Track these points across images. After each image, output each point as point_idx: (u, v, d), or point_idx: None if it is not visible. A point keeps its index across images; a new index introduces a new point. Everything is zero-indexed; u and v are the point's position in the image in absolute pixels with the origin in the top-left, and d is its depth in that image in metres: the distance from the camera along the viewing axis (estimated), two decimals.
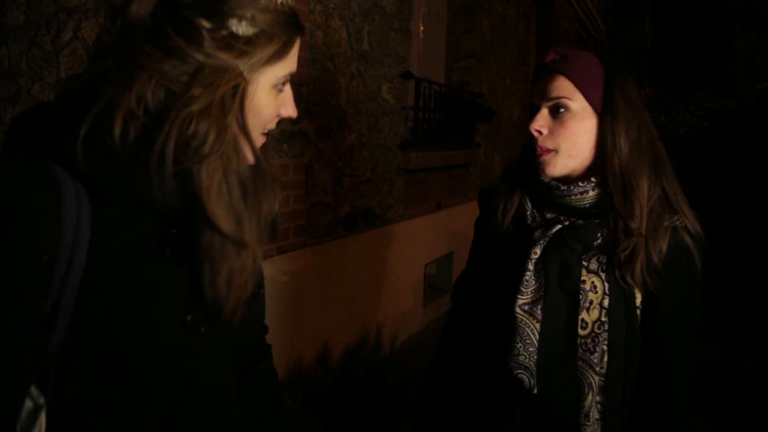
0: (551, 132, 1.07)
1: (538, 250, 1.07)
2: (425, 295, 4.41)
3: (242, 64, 0.67)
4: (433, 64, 4.80)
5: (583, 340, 1.05)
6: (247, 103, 0.70)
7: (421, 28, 4.53)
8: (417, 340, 4.10)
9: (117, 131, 0.62)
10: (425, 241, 4.27)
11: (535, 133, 1.08)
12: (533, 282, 1.07)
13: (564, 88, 1.05)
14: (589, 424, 1.06)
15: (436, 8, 4.83)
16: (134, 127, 0.64)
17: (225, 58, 0.65)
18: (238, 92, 0.68)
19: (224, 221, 0.67)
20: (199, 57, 0.64)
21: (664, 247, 1.04)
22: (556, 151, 1.07)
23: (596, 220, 1.06)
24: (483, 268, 1.21)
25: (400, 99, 3.78)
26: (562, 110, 1.06)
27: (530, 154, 1.12)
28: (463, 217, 4.92)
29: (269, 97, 0.74)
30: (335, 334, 3.17)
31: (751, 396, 3.32)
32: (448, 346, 1.32)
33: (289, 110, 0.78)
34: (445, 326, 1.35)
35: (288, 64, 0.74)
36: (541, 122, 1.07)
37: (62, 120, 0.64)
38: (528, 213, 1.13)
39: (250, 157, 0.72)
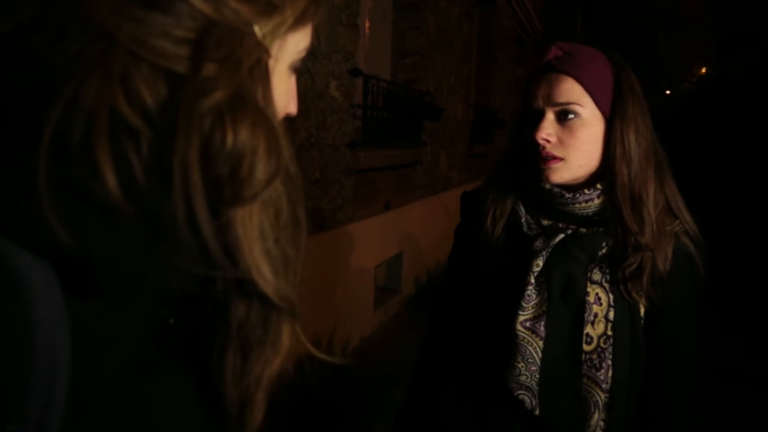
0: (559, 140, 0.97)
1: (540, 262, 0.98)
2: (375, 298, 4.32)
3: (262, 27, 0.41)
4: (380, 61, 4.71)
5: (588, 356, 0.98)
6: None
7: (368, 24, 4.43)
8: (369, 344, 4.00)
9: (107, 167, 0.33)
10: (375, 242, 4.18)
11: (542, 142, 0.97)
12: (534, 296, 0.98)
13: (573, 92, 0.96)
14: None
15: (382, 4, 4.74)
16: (136, 155, 0.35)
17: (245, 13, 0.38)
18: (263, 72, 0.41)
19: (272, 283, 0.42)
20: (207, 8, 0.36)
21: (670, 256, 0.98)
22: (563, 160, 0.98)
23: (600, 229, 0.98)
24: (470, 281, 1.11)
25: (348, 97, 3.67)
26: (571, 117, 0.96)
27: (525, 156, 1.03)
28: (412, 216, 4.86)
29: (286, 82, 0.48)
30: None
31: (744, 397, 3.34)
32: (431, 363, 1.22)
33: (294, 106, 0.52)
34: (424, 342, 1.25)
35: (308, 33, 0.48)
36: (549, 130, 0.97)
37: None
38: (522, 220, 1.04)
39: None
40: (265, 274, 0.41)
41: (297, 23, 0.44)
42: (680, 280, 1.00)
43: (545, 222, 1.02)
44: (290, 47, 0.46)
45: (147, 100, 0.35)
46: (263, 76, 0.41)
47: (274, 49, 0.43)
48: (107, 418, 0.40)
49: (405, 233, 4.72)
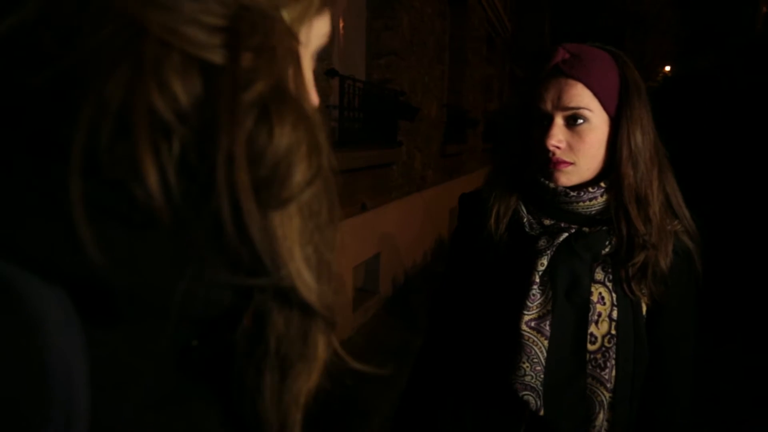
0: (569, 146, 0.97)
1: (545, 261, 0.97)
2: (354, 299, 4.29)
3: (290, 12, 0.37)
4: (354, 61, 4.68)
5: (592, 356, 0.98)
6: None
7: (342, 24, 4.40)
8: (349, 346, 3.97)
9: (151, 169, 0.30)
10: (352, 243, 4.15)
11: (553, 149, 0.97)
12: (539, 296, 0.97)
13: (582, 97, 0.95)
14: None
15: (356, 3, 4.71)
16: (168, 155, 0.31)
17: None
18: (296, 61, 0.37)
19: (314, 289, 0.38)
20: None
21: (671, 254, 0.98)
22: (573, 164, 0.98)
23: (604, 228, 0.98)
24: (471, 283, 1.10)
25: (324, 97, 3.63)
26: (580, 121, 0.96)
27: (528, 156, 1.03)
28: (389, 217, 4.85)
29: (310, 72, 0.43)
30: None
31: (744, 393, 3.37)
32: (430, 365, 1.20)
33: (315, 96, 0.45)
34: (423, 345, 1.24)
35: (328, 17, 0.43)
36: (560, 137, 0.97)
37: (13, 161, 0.30)
38: (524, 220, 1.04)
39: None
40: (307, 281, 0.37)
41: (320, 9, 0.40)
42: (680, 278, 1.00)
43: (547, 222, 1.02)
44: (316, 33, 0.42)
45: (180, 95, 0.30)
46: (296, 65, 0.37)
47: (303, 36, 0.39)
48: None
49: (382, 234, 4.71)
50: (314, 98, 0.44)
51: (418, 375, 1.22)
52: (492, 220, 1.05)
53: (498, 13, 10.27)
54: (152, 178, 0.30)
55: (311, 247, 0.38)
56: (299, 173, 0.35)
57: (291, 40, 0.36)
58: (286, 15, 0.36)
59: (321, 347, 0.41)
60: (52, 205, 0.29)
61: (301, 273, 0.37)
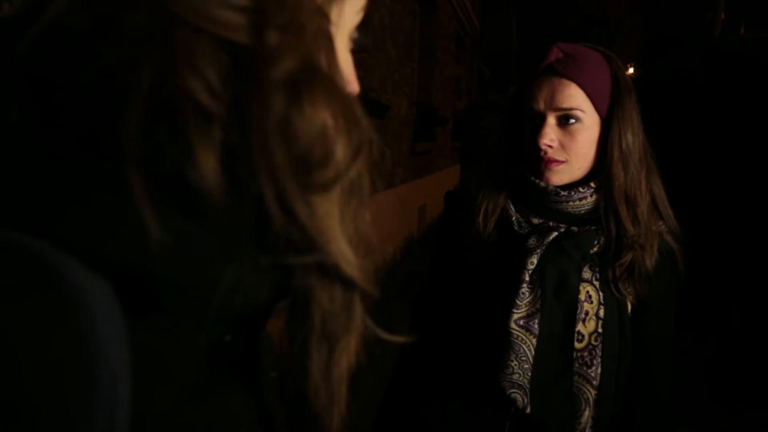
0: (561, 144, 0.98)
1: (534, 260, 0.98)
2: None
3: None
4: None
5: (579, 354, 0.99)
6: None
7: None
8: None
9: (203, 152, 0.30)
10: None
11: (545, 148, 0.97)
12: (528, 294, 0.98)
13: (576, 98, 0.96)
14: None
15: None
16: (216, 142, 0.31)
17: None
18: (327, 40, 0.37)
19: (354, 263, 0.38)
20: None
21: (656, 253, 1.00)
22: (565, 162, 0.99)
23: (592, 227, 0.99)
24: (458, 281, 1.10)
25: None
26: (572, 121, 0.97)
27: (517, 154, 1.03)
28: None
29: (347, 53, 0.43)
30: None
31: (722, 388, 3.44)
32: (414, 364, 1.20)
33: (355, 83, 0.45)
34: (405, 346, 1.22)
35: None
36: (552, 136, 0.97)
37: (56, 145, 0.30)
38: (513, 219, 1.04)
39: None
40: (348, 257, 0.38)
41: None
42: (664, 278, 1.02)
43: (536, 220, 1.02)
44: (348, 12, 0.41)
45: (211, 77, 0.31)
46: (327, 43, 0.37)
47: (334, 16, 0.39)
48: None
49: None
50: (352, 80, 0.44)
51: (401, 373, 1.22)
52: (480, 219, 1.05)
53: (467, 12, 10.34)
54: (204, 159, 0.30)
55: (353, 223, 0.38)
56: (340, 150, 0.35)
57: (321, 18, 0.36)
58: None
59: (360, 321, 0.42)
60: (108, 196, 0.29)
61: (343, 249, 0.37)
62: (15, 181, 0.28)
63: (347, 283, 0.39)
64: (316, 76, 0.34)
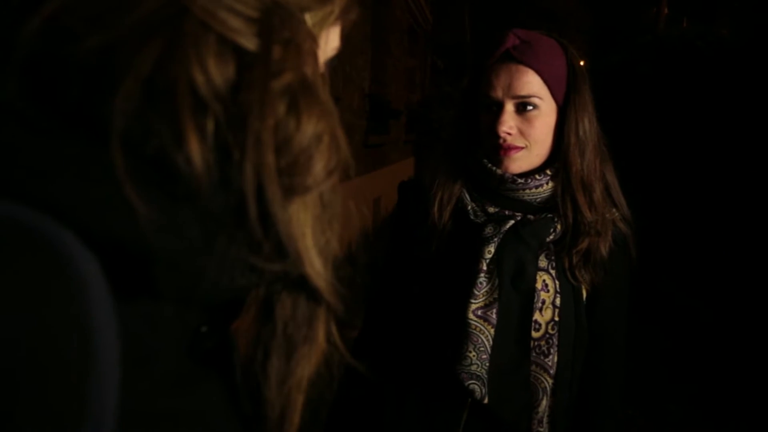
0: (519, 131, 0.97)
1: (492, 249, 0.97)
2: None
3: (313, 17, 0.40)
4: None
5: (536, 343, 0.98)
6: None
7: None
8: None
9: (193, 137, 0.31)
10: None
11: (504, 135, 0.96)
12: (486, 284, 0.97)
13: (533, 84, 0.96)
14: (541, 429, 1.00)
15: None
16: (207, 133, 0.32)
17: None
18: (316, 61, 0.39)
19: (323, 275, 0.39)
20: None
21: (611, 240, 1.00)
22: (524, 149, 0.98)
23: (549, 215, 0.98)
24: (413, 272, 1.08)
25: None
26: (530, 108, 0.96)
27: (473, 143, 1.02)
28: None
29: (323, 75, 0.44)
30: None
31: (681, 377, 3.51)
32: (368, 355, 1.17)
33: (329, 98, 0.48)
34: (361, 334, 1.20)
35: (339, 32, 0.46)
36: (511, 123, 0.96)
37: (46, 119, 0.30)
38: (469, 208, 1.02)
39: None
40: (317, 267, 0.39)
41: (338, 18, 0.43)
42: (617, 265, 1.02)
43: (491, 209, 1.01)
44: (330, 42, 0.44)
45: (214, 74, 0.32)
46: (316, 64, 0.39)
47: (321, 40, 0.42)
48: None
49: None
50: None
51: (354, 368, 1.18)
52: (435, 209, 1.03)
53: (420, 5, 10.35)
54: (194, 146, 0.31)
55: (324, 236, 0.40)
56: (321, 163, 0.36)
57: (312, 41, 0.39)
58: (308, 19, 0.40)
59: (322, 333, 0.43)
60: (99, 173, 0.30)
61: (313, 260, 0.38)
62: (10, 155, 0.29)
63: (313, 294, 0.41)
64: (313, 92, 0.36)
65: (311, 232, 0.38)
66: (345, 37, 0.48)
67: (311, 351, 0.43)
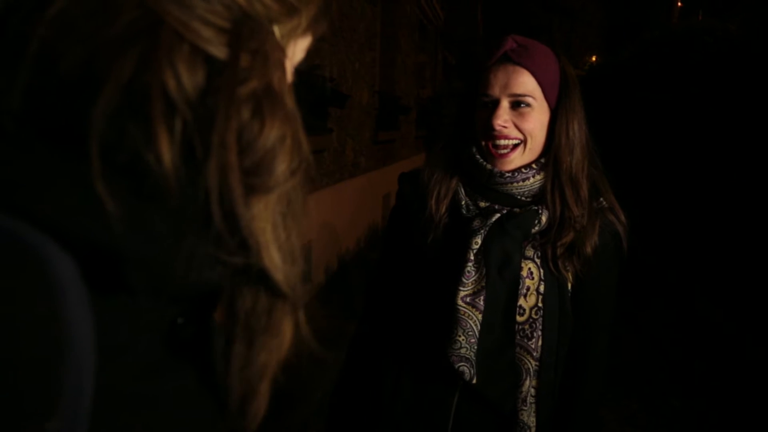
0: (514, 125, 1.05)
1: (479, 240, 1.04)
2: None
3: (281, 28, 0.42)
4: None
5: (521, 327, 1.05)
6: None
7: None
8: None
9: (164, 138, 0.34)
10: None
11: (499, 128, 1.04)
12: (474, 273, 1.04)
13: (528, 84, 1.03)
14: (525, 408, 1.07)
15: None
16: (176, 136, 0.35)
17: (274, 10, 0.40)
18: (284, 70, 0.42)
19: (281, 270, 0.42)
20: (241, 0, 0.38)
21: (597, 233, 1.06)
22: (519, 145, 1.06)
23: (534, 207, 1.05)
24: (409, 260, 1.16)
25: None
26: (523, 106, 1.04)
27: (469, 139, 1.09)
28: (320, 204, 4.83)
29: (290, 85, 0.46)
30: None
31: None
32: (368, 342, 1.24)
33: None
34: (360, 323, 1.28)
35: (307, 44, 0.48)
36: (506, 117, 1.04)
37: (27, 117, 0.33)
38: (462, 202, 1.10)
39: None
40: (277, 262, 0.41)
41: (306, 30, 0.45)
42: (604, 257, 1.08)
43: (483, 204, 1.08)
44: (297, 53, 0.47)
45: (185, 80, 0.35)
46: (283, 73, 0.42)
47: (289, 51, 0.44)
48: (117, 427, 0.39)
49: (313, 222, 4.69)
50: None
51: (355, 352, 1.27)
52: (433, 202, 1.11)
53: (430, 0, 10.34)
54: (164, 146, 0.33)
55: (285, 232, 0.42)
56: (283, 164, 0.39)
57: (280, 51, 0.41)
58: (277, 30, 0.42)
59: (286, 325, 0.45)
60: (73, 175, 0.32)
61: (273, 255, 0.41)
62: None
63: (272, 288, 0.42)
64: (276, 98, 0.39)
65: (272, 228, 0.41)
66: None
67: (273, 341, 0.45)
